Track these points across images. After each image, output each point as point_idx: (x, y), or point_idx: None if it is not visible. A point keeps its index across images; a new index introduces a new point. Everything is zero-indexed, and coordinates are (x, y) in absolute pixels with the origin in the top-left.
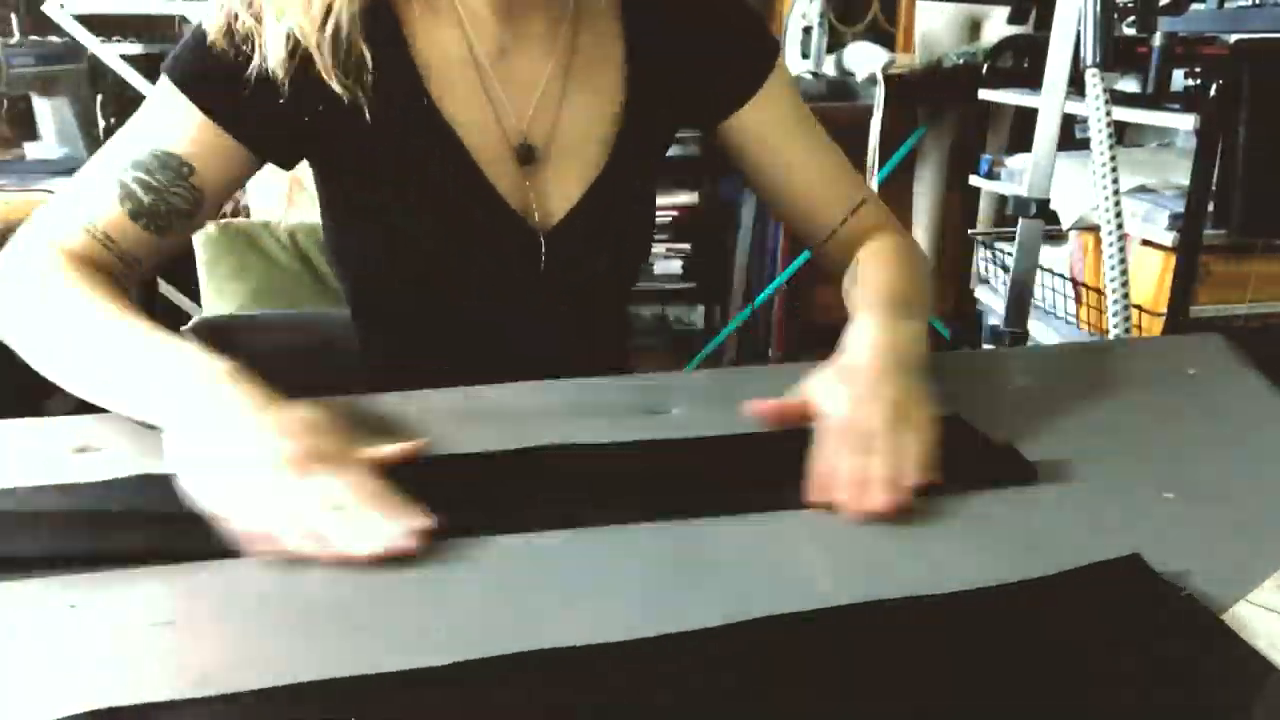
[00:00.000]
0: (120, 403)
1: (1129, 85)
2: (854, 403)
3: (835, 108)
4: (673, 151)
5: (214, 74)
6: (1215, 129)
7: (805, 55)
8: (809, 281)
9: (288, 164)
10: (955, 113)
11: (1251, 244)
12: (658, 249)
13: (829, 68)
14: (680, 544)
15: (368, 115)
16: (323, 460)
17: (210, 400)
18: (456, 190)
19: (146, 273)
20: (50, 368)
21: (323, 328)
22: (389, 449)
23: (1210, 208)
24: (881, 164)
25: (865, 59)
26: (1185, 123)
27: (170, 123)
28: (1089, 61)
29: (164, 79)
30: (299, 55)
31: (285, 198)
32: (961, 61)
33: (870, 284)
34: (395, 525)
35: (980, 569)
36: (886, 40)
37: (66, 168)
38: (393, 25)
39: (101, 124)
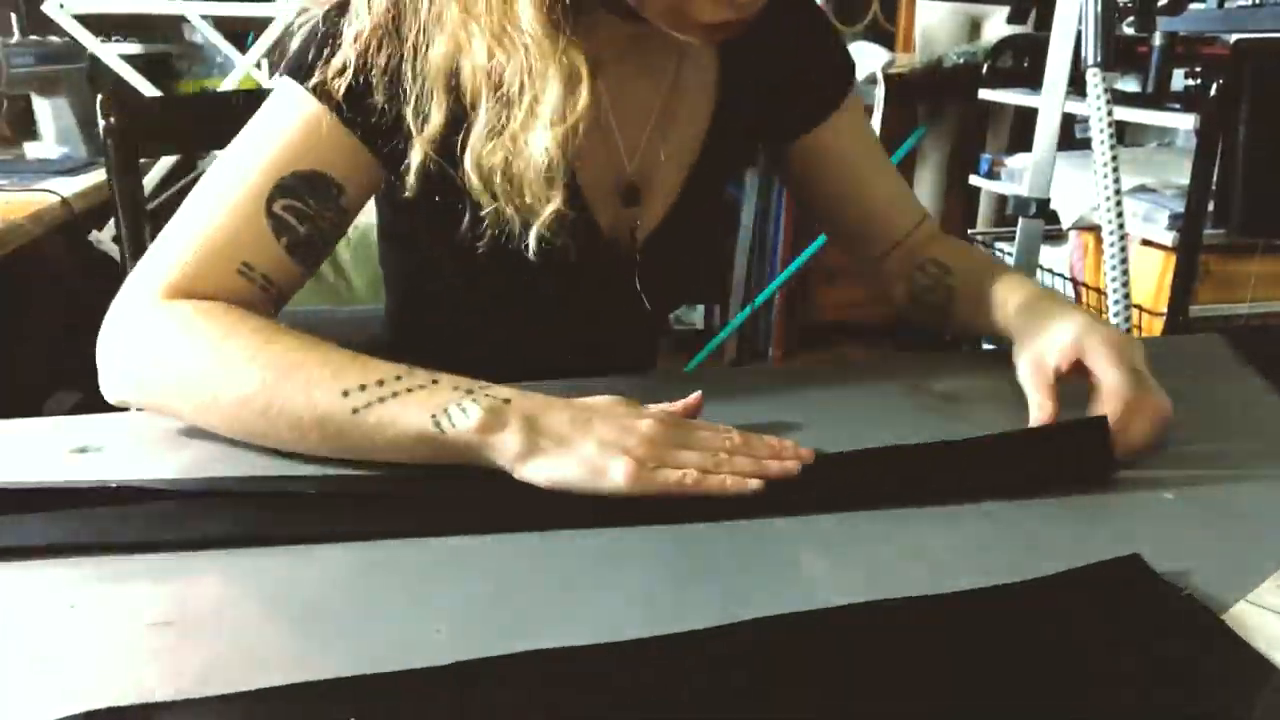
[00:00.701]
0: (392, 449)
1: (1129, 85)
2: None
3: None
4: None
5: (357, 90)
6: (1215, 129)
7: None
8: (809, 281)
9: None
10: (955, 112)
11: (1251, 244)
12: None
13: None
14: (680, 544)
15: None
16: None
17: (528, 410)
18: (561, 228)
19: (287, 298)
20: (266, 437)
21: (324, 326)
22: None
23: (1210, 207)
24: None
25: (865, 59)
26: (1185, 122)
27: (309, 138)
28: (1090, 61)
29: (292, 87)
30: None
31: None
32: (961, 61)
33: (1012, 274)
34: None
35: (980, 569)
36: (886, 40)
37: (66, 168)
38: None
39: (101, 124)
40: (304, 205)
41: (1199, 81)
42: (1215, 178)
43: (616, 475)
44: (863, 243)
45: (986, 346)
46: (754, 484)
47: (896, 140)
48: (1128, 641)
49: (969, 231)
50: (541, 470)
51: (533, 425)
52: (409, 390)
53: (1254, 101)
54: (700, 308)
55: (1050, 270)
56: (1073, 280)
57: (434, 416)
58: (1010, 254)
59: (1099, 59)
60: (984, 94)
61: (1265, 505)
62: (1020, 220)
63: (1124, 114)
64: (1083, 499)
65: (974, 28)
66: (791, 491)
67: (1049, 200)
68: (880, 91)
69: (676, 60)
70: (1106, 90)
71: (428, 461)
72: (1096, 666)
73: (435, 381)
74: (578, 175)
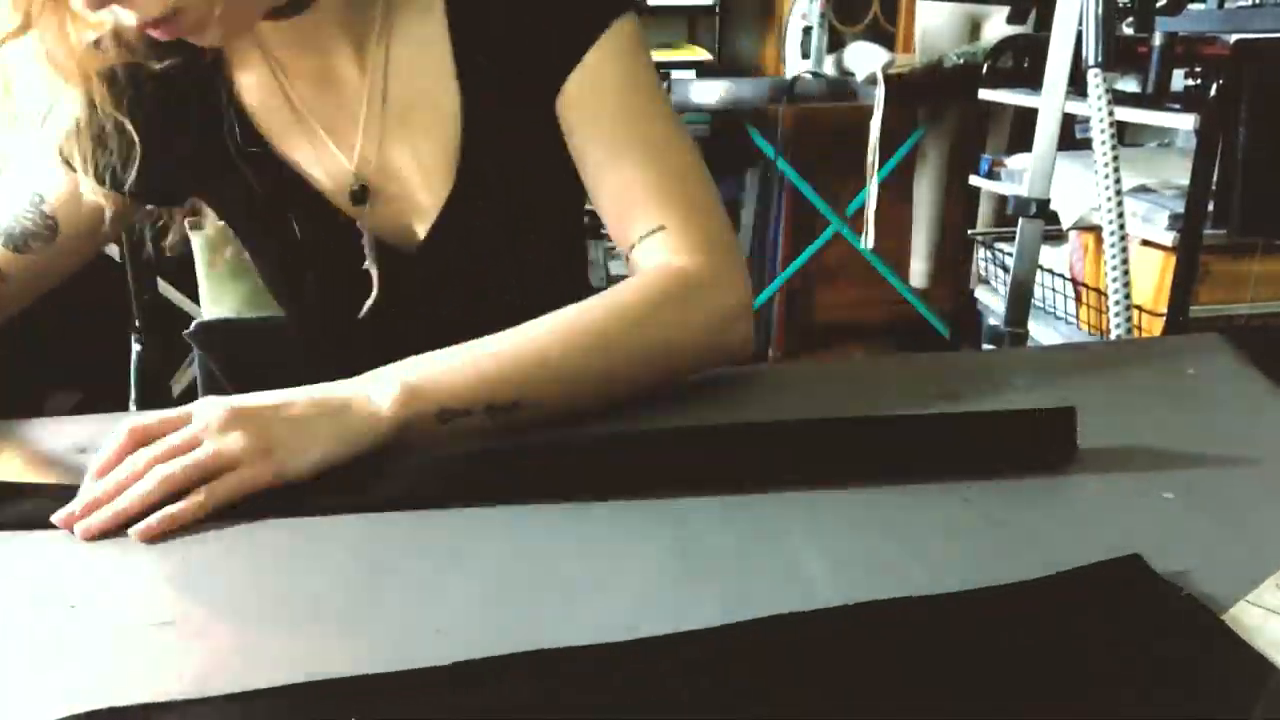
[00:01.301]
0: None
1: (1128, 85)
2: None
3: (835, 108)
4: None
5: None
6: (1215, 129)
7: (805, 55)
8: (809, 281)
9: (167, 202)
10: (955, 113)
11: (1252, 244)
12: None
13: (829, 67)
14: (679, 545)
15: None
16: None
17: None
18: (317, 228)
19: (25, 289)
20: None
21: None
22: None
23: (1210, 207)
24: (881, 164)
25: (865, 59)
26: (1185, 122)
27: (32, 154)
28: (1091, 61)
29: None
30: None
31: None
32: (961, 61)
33: (478, 343)
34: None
35: (980, 569)
36: (886, 40)
37: None
38: (212, 75)
39: None
40: (11, 201)
41: (1199, 82)
42: (1215, 178)
43: None
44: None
45: (986, 346)
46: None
47: (897, 140)
48: (1128, 642)
49: (969, 232)
50: None
51: None
52: None
53: (1254, 101)
54: None
55: (1050, 270)
56: (1073, 281)
57: None
58: (1010, 254)
59: (1100, 59)
60: (984, 94)
61: (1265, 505)
62: (1020, 220)
63: (1124, 114)
64: (1082, 499)
65: (974, 28)
66: (761, 461)
67: (1049, 200)
68: (880, 91)
69: (383, 51)
70: (1107, 90)
71: None
72: (1096, 667)
73: None
74: (306, 176)
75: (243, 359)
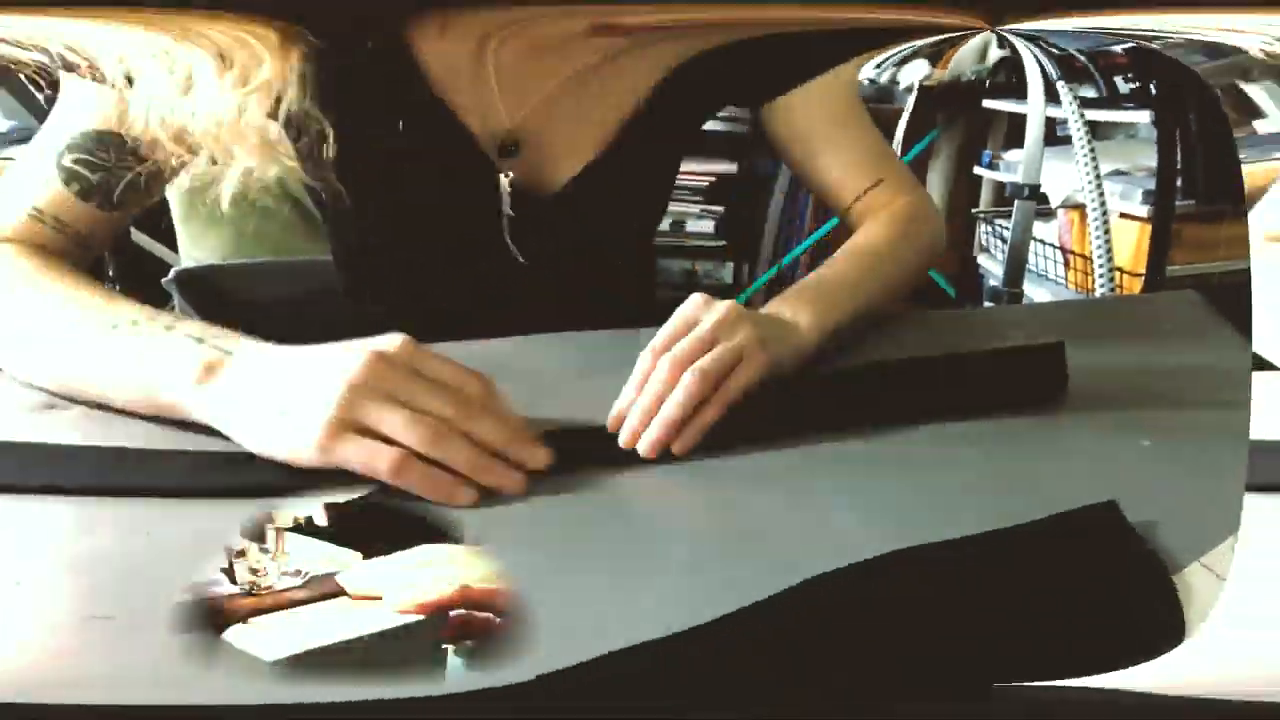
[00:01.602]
0: (123, 392)
1: (1088, 92)
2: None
3: (876, 109)
4: (716, 125)
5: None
6: (1170, 121)
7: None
8: (835, 246)
9: None
10: (965, 117)
11: (1220, 210)
12: (690, 209)
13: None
14: (682, 542)
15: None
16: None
17: (246, 365)
18: (457, 176)
19: (100, 249)
20: (26, 367)
21: (315, 275)
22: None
23: (1179, 182)
24: (903, 154)
25: (909, 72)
26: (1143, 117)
27: (100, 102)
28: (1054, 77)
29: None
30: None
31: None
32: (974, 76)
33: (817, 271)
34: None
35: (958, 514)
36: (939, 59)
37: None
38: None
39: None
40: (95, 158)
41: (1136, 85)
42: (1180, 158)
43: (288, 445)
44: (827, 202)
45: (987, 304)
46: (464, 496)
47: (919, 138)
48: (1093, 597)
49: (973, 210)
50: (238, 432)
51: (243, 381)
52: (138, 339)
53: (1192, 94)
54: (730, 264)
55: (1043, 241)
56: (1062, 249)
57: (154, 368)
58: (1008, 228)
59: (1060, 74)
60: (986, 102)
61: (1234, 454)
62: (1016, 202)
63: (1093, 114)
64: (1064, 443)
65: (984, 50)
66: (748, 417)
67: (1039, 185)
68: (912, 99)
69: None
70: (1076, 98)
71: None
72: (1057, 620)
73: (169, 328)
74: (466, 124)
75: (225, 304)
